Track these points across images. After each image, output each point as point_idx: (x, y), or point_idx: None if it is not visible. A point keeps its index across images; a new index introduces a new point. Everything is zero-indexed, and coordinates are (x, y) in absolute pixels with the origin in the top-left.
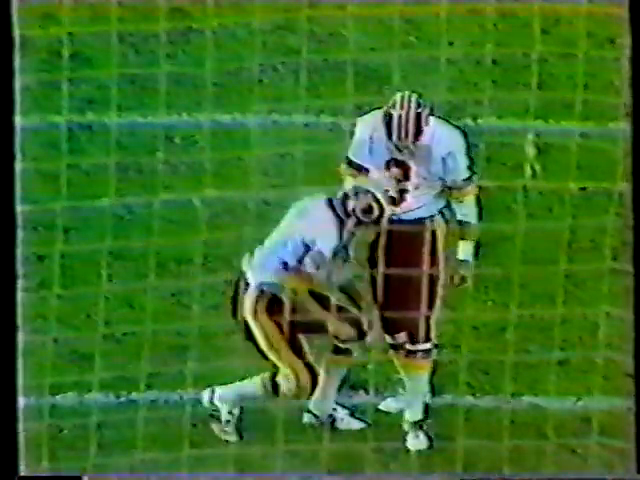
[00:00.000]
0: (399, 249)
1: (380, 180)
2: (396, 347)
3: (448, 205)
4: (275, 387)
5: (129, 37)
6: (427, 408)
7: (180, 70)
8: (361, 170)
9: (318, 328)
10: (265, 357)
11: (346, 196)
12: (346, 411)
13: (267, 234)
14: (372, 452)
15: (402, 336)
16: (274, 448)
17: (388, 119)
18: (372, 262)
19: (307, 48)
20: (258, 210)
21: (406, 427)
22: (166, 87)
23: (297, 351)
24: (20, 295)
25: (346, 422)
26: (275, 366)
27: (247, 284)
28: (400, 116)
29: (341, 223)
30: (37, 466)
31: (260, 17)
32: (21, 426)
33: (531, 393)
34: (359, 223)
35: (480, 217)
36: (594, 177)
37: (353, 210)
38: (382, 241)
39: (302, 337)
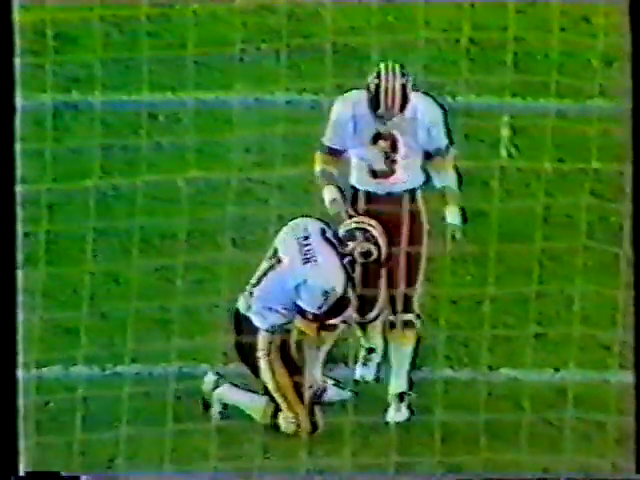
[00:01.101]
0: (389, 222)
1: (370, 155)
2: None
3: (427, 180)
4: (275, 424)
5: (112, 17)
6: (411, 381)
7: (163, 49)
8: (339, 155)
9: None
10: (271, 397)
11: (350, 235)
12: (332, 381)
13: (249, 212)
14: (351, 425)
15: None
16: (255, 422)
17: (374, 91)
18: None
19: (287, 28)
20: (240, 188)
21: (389, 399)
22: (149, 66)
23: (300, 397)
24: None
25: (334, 393)
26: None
27: (253, 326)
28: (386, 88)
29: (341, 258)
30: (24, 439)
31: None
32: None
33: (508, 366)
34: (353, 261)
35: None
36: (570, 155)
37: (352, 250)
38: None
39: (303, 383)
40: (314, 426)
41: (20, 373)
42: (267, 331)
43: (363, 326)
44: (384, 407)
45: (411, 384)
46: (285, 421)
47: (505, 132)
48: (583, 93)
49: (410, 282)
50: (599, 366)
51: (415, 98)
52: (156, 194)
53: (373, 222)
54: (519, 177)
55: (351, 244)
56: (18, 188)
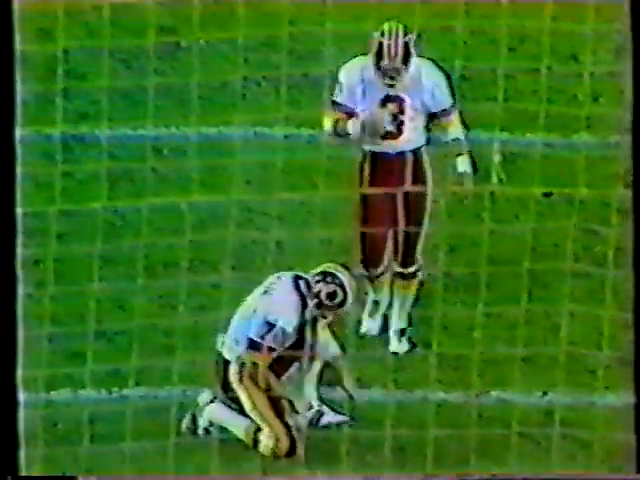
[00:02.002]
0: (396, 180)
1: (378, 118)
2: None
3: (427, 139)
4: (255, 442)
5: (120, 53)
6: (410, 318)
7: (168, 84)
8: (349, 114)
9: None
10: (250, 418)
11: (315, 279)
12: (326, 407)
13: (248, 238)
14: (348, 444)
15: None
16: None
17: (377, 46)
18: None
19: (287, 64)
20: (241, 216)
21: (391, 333)
22: (154, 101)
23: (279, 414)
24: (15, 296)
25: (330, 417)
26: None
27: (224, 359)
28: (389, 42)
29: (304, 303)
30: (33, 457)
31: (243, 34)
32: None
33: (498, 388)
34: (320, 306)
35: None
36: (557, 184)
37: (318, 293)
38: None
39: (284, 401)
40: (292, 441)
41: (29, 396)
42: (235, 362)
43: (371, 280)
44: (380, 427)
45: (410, 320)
46: (265, 438)
47: (496, 158)
48: (570, 127)
49: (414, 237)
50: (585, 388)
51: (419, 62)
52: (160, 222)
53: (341, 268)
54: (508, 206)
55: (318, 286)
56: (27, 212)
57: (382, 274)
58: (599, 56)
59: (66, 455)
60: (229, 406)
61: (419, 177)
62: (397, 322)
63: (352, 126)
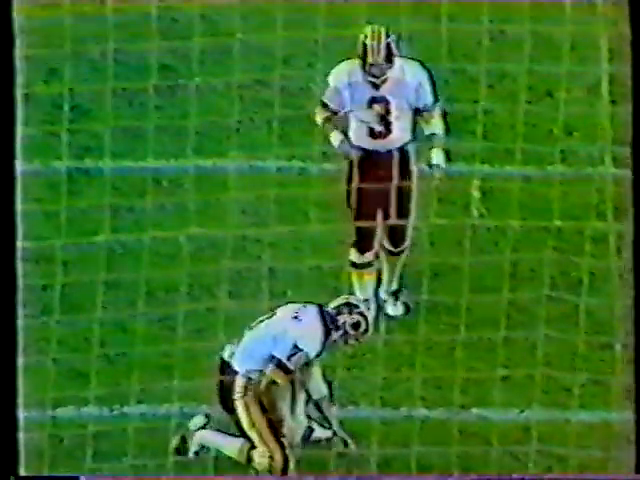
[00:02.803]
0: (385, 175)
1: (367, 118)
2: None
3: (413, 133)
4: (249, 460)
5: (122, 92)
6: (401, 281)
7: (167, 121)
8: (336, 113)
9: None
10: (244, 435)
11: (339, 311)
12: (315, 423)
13: (244, 267)
14: (336, 457)
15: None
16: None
17: (363, 47)
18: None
19: (280, 101)
20: (236, 245)
21: (385, 297)
22: (154, 136)
23: (275, 433)
24: (25, 321)
25: (319, 433)
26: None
27: (233, 370)
28: (372, 42)
29: (327, 333)
30: (39, 472)
31: (238, 74)
32: (24, 436)
33: (478, 406)
34: (345, 334)
35: (447, 131)
36: (534, 215)
37: (343, 324)
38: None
39: (277, 422)
40: (285, 459)
41: (34, 412)
42: (243, 376)
43: (361, 269)
44: (367, 442)
45: (401, 284)
46: (259, 456)
47: (476, 194)
48: (546, 159)
49: (404, 215)
50: (561, 406)
51: (403, 62)
52: (160, 250)
53: (358, 298)
54: (488, 235)
55: (341, 317)
56: (35, 245)
57: (370, 264)
58: (573, 94)
59: (69, 468)
60: (219, 430)
61: (406, 171)
62: (389, 286)
63: (334, 138)
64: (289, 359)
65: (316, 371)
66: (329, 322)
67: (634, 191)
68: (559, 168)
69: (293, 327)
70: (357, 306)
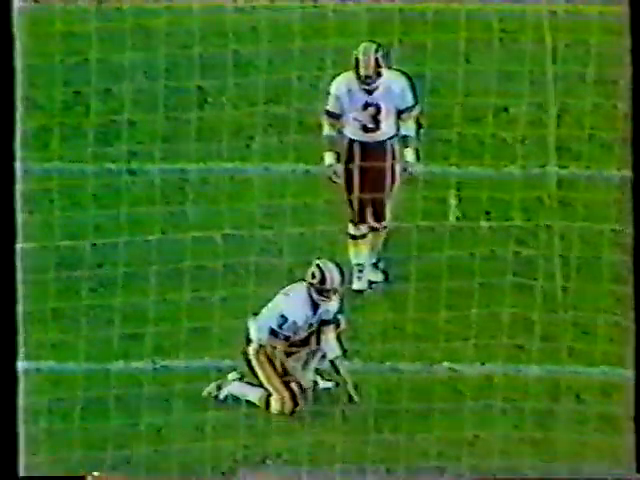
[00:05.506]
0: (375, 161)
1: (362, 118)
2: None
3: (397, 130)
4: (268, 404)
5: (165, 107)
6: (379, 256)
7: (204, 131)
8: (338, 118)
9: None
10: (261, 385)
11: (312, 275)
12: (319, 377)
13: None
14: (336, 405)
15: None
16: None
17: (356, 61)
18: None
19: (290, 115)
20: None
21: (365, 270)
22: (195, 144)
23: (285, 383)
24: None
25: (322, 384)
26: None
27: (249, 339)
28: (364, 57)
29: (312, 301)
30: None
31: (256, 93)
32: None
33: (449, 360)
34: (319, 292)
35: (418, 132)
36: (499, 214)
37: (313, 283)
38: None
39: (289, 376)
40: (295, 403)
41: (73, 367)
42: (255, 342)
43: (356, 239)
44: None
45: (380, 257)
46: (274, 402)
47: (452, 202)
48: (502, 162)
49: (386, 200)
50: (515, 361)
51: (390, 73)
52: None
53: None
54: (461, 234)
55: (312, 279)
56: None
57: (365, 236)
58: (526, 108)
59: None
60: (249, 383)
61: (392, 157)
62: (369, 258)
63: (328, 157)
64: (280, 327)
65: (330, 335)
66: (315, 296)
67: (634, 192)
68: (515, 169)
69: (282, 301)
70: (317, 263)
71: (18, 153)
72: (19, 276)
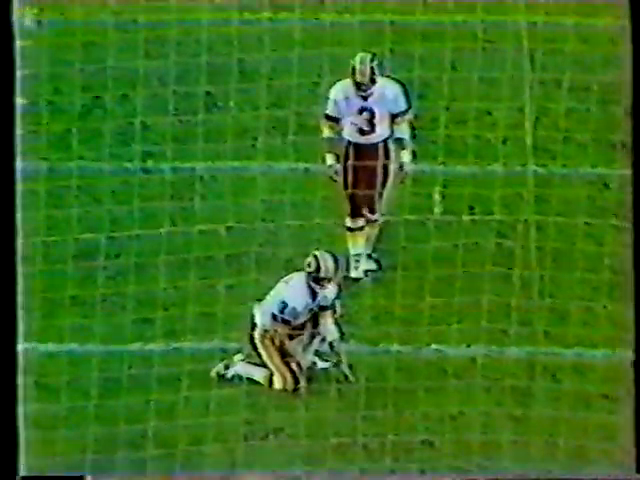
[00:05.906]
0: (370, 161)
1: (358, 121)
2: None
3: (391, 132)
4: (271, 383)
5: (175, 110)
6: (374, 248)
7: (211, 133)
8: (337, 122)
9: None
10: (265, 365)
11: (308, 264)
12: (317, 358)
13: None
14: (334, 383)
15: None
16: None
17: (353, 70)
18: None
19: (291, 118)
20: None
21: (360, 259)
22: (203, 145)
23: (287, 364)
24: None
25: (321, 364)
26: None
27: (254, 323)
28: (360, 66)
29: (310, 289)
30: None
31: (259, 98)
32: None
33: (436, 342)
34: (316, 281)
35: (412, 135)
36: (481, 209)
37: (310, 272)
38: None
39: (290, 356)
40: (296, 381)
41: (84, 348)
42: (259, 327)
43: (353, 232)
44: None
45: (374, 249)
46: (276, 380)
47: (437, 198)
48: (485, 161)
49: (380, 195)
50: (496, 343)
51: (385, 81)
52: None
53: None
54: (446, 226)
55: (309, 268)
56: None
57: (361, 228)
58: (507, 112)
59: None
60: (254, 363)
61: (386, 157)
62: (364, 249)
63: (329, 158)
64: (281, 312)
65: (329, 320)
66: (313, 284)
67: (634, 192)
68: (498, 167)
69: (282, 289)
70: (314, 254)
71: (42, 153)
72: (41, 266)
